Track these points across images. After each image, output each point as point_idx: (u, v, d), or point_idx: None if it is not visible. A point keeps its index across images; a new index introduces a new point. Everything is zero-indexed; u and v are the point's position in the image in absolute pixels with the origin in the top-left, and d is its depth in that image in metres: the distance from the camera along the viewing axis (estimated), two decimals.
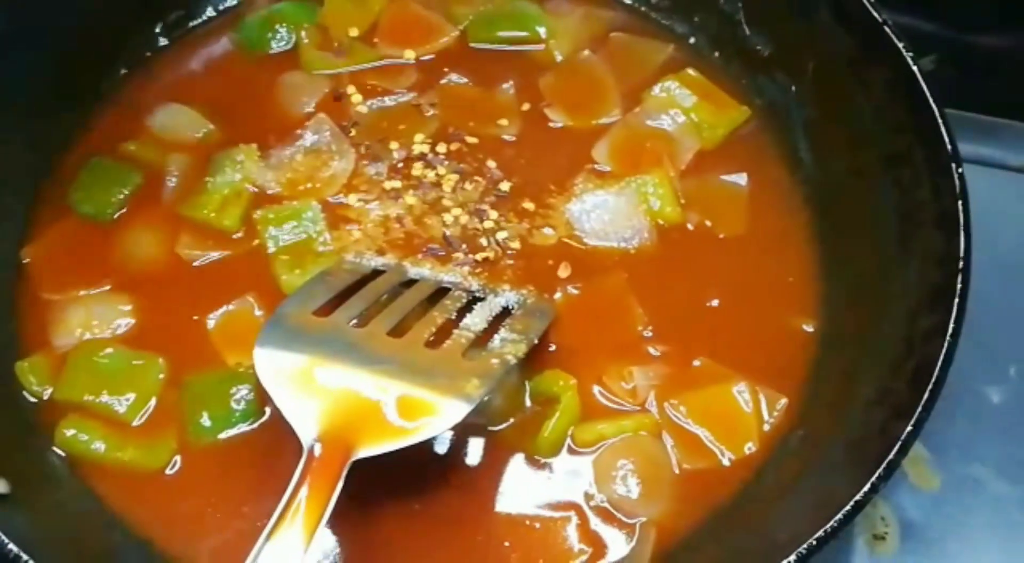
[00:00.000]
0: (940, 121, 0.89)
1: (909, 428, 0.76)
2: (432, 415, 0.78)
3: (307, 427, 0.77)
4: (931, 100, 0.90)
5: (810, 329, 0.94)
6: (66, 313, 0.94)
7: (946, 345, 0.80)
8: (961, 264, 0.83)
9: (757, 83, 1.08)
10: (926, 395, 0.78)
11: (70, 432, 0.88)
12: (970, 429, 1.02)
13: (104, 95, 1.08)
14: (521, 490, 0.87)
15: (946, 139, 0.88)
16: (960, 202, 0.86)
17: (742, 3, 1.08)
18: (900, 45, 0.93)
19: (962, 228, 0.85)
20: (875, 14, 0.95)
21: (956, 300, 0.82)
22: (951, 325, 0.81)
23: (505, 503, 0.86)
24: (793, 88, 1.05)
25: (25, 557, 0.73)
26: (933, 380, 0.78)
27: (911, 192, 0.92)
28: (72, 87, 1.06)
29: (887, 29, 0.94)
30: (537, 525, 0.85)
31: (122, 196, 1.00)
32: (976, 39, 1.30)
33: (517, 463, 0.88)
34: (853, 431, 0.84)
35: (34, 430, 0.89)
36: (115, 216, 1.00)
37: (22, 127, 1.02)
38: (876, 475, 0.75)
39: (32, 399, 0.91)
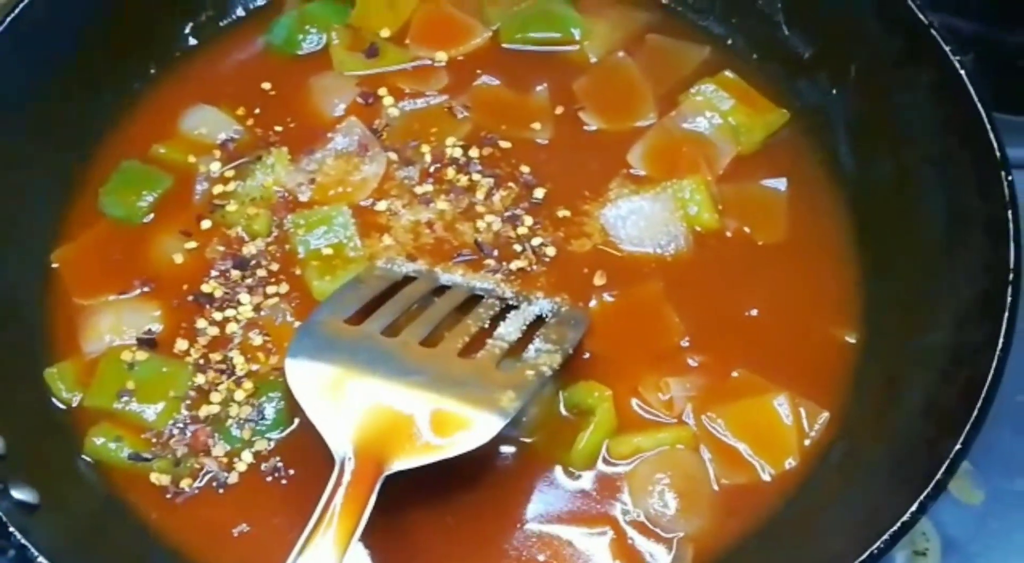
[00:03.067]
0: (988, 125, 0.87)
1: (958, 446, 0.74)
2: (466, 430, 0.77)
3: (340, 440, 0.76)
4: (978, 104, 0.88)
5: (852, 340, 0.92)
6: (96, 318, 0.94)
7: (996, 360, 0.77)
8: (1011, 275, 0.81)
9: (796, 86, 1.05)
10: (975, 412, 0.76)
11: (99, 440, 0.87)
12: (1015, 441, 0.99)
13: (134, 95, 1.07)
14: (555, 503, 0.85)
15: (995, 144, 0.86)
16: (1010, 211, 0.83)
17: (781, 4, 1.06)
18: (947, 48, 0.90)
19: (1011, 238, 0.82)
20: (920, 15, 0.92)
21: (1006, 313, 0.79)
22: (1001, 339, 0.78)
23: (538, 516, 0.85)
24: (834, 91, 1.02)
25: None
26: (983, 396, 0.76)
27: (957, 198, 0.90)
28: (102, 87, 1.05)
29: (933, 31, 0.91)
30: (572, 539, 0.84)
31: (152, 199, 1.00)
32: (1016, 38, 1.27)
33: (551, 475, 0.86)
34: (898, 447, 0.82)
35: (63, 438, 0.88)
36: (145, 220, 0.99)
37: (53, 128, 1.01)
38: (924, 495, 0.73)
39: (61, 406, 0.90)
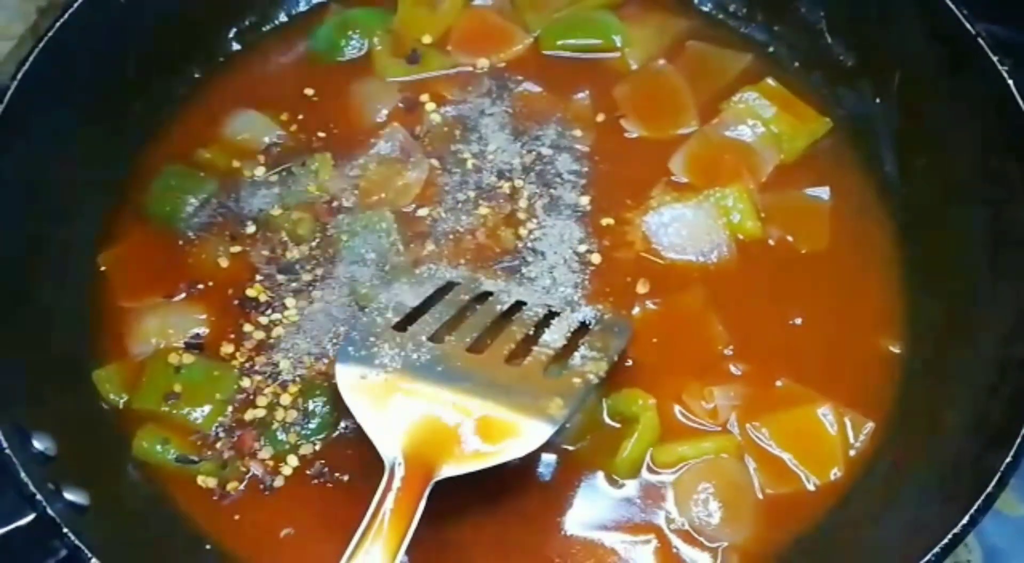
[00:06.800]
0: None
1: (1008, 459, 0.74)
2: (515, 437, 0.77)
3: (390, 445, 0.76)
4: None
5: (897, 350, 0.92)
6: (142, 321, 0.94)
7: None
8: None
9: (839, 94, 1.05)
10: None
11: (147, 442, 0.88)
12: None
13: (178, 100, 1.08)
14: (599, 511, 0.85)
15: None
16: None
17: (824, 11, 1.06)
18: (994, 58, 0.90)
19: None
20: (967, 25, 0.92)
21: None
22: None
23: (583, 524, 0.85)
24: (877, 99, 1.02)
25: None
26: None
27: (1004, 210, 0.89)
28: (147, 92, 1.06)
29: (980, 41, 0.91)
30: (616, 547, 0.84)
31: (196, 204, 1.00)
32: None
33: (594, 483, 0.86)
34: (945, 459, 0.82)
35: (112, 440, 0.89)
36: (190, 223, 1.00)
37: (98, 132, 1.01)
38: (974, 508, 0.72)
39: (109, 408, 0.91)
